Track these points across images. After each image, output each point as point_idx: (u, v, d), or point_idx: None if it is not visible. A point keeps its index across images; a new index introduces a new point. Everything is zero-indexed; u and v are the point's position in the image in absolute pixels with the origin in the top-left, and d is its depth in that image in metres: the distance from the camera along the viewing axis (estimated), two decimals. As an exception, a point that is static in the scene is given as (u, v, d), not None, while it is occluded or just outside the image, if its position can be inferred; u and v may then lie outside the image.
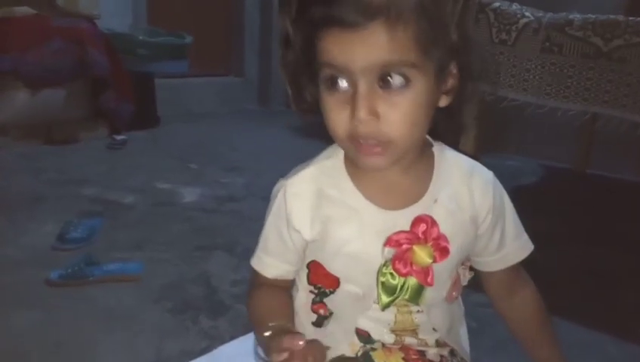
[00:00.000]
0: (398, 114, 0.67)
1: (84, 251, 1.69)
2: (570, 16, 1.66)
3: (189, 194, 2.38)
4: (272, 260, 0.84)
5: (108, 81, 3.24)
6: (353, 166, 0.79)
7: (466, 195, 0.81)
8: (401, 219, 0.78)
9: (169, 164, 2.87)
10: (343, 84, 0.68)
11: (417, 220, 0.78)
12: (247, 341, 0.98)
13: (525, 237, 0.89)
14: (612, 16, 1.61)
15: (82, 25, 3.16)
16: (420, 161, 0.80)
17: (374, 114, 0.66)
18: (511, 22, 1.74)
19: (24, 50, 2.93)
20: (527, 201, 2.67)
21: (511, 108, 1.84)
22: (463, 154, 0.86)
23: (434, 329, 0.84)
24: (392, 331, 0.82)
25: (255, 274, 0.87)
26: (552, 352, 0.90)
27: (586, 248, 2.06)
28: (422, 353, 0.84)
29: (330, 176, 0.80)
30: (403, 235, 0.77)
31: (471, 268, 0.91)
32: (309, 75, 0.74)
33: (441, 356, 0.86)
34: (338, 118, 0.69)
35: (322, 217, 0.79)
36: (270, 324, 0.77)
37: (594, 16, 1.62)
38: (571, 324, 1.45)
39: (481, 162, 0.87)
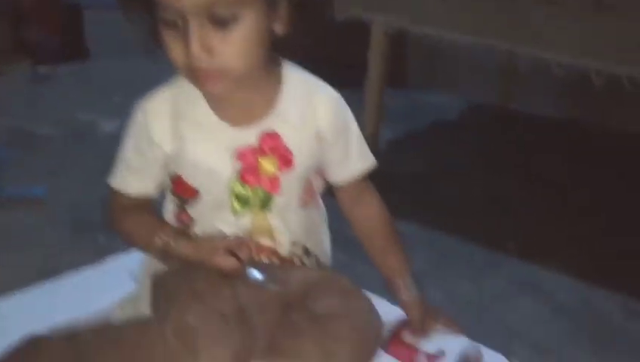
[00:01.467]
0: (229, 48, 0.73)
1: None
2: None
3: (109, 126, 2.38)
4: (135, 177, 0.89)
5: (31, 12, 3.13)
6: None
7: (311, 112, 0.89)
8: (250, 135, 0.86)
9: (93, 97, 2.84)
10: (176, 22, 0.72)
11: (264, 135, 0.86)
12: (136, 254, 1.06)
13: (368, 153, 0.98)
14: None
15: (0, -49, 3.01)
16: (268, 80, 0.86)
17: (207, 50, 0.72)
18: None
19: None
20: (447, 135, 2.80)
21: (439, 47, 1.89)
22: (310, 74, 0.91)
23: (290, 232, 0.93)
24: (250, 235, 0.90)
25: (117, 195, 0.91)
26: (397, 262, 0.98)
27: (490, 177, 2.20)
28: (273, 250, 0.92)
29: (185, 95, 0.85)
30: (250, 149, 0.85)
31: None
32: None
33: (294, 253, 0.94)
34: (175, 52, 0.74)
35: (179, 134, 0.85)
36: (168, 231, 0.85)
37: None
38: (452, 239, 1.59)
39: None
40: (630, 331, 1.27)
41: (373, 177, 0.98)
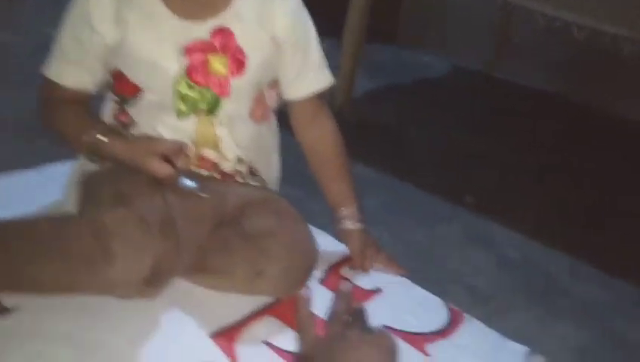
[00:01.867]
0: None
1: None
2: None
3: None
4: (72, 67, 0.83)
5: None
6: None
7: (269, 15, 0.84)
8: (200, 30, 0.80)
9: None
10: None
11: (216, 31, 0.80)
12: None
13: (327, 71, 0.94)
14: None
15: None
16: None
17: None
18: None
19: None
20: (427, 93, 2.76)
21: (431, 3, 1.82)
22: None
23: (237, 146, 0.89)
24: (193, 142, 0.86)
25: (51, 87, 0.85)
26: (345, 190, 0.96)
27: (460, 135, 2.17)
28: (216, 164, 0.89)
29: None
30: (199, 44, 0.80)
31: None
32: None
33: (238, 171, 0.91)
34: None
35: (122, 21, 0.80)
36: (101, 126, 0.81)
37: None
38: (410, 185, 1.56)
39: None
40: (572, 292, 1.27)
41: (341, 123, 0.95)
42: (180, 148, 0.79)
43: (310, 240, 0.89)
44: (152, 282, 0.74)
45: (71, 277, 0.72)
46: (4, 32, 2.29)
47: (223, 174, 0.90)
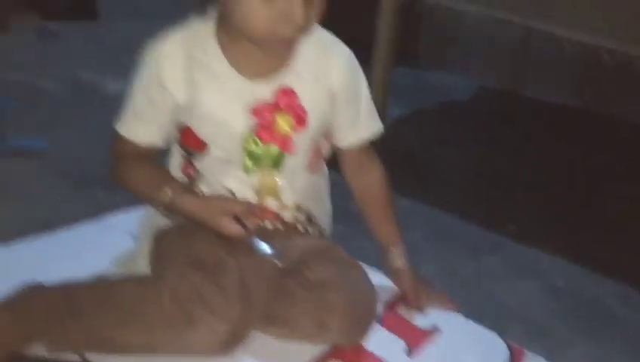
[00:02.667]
0: (313, 13, 0.77)
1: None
2: None
3: (113, 85, 2.36)
4: (144, 125, 0.87)
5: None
6: (224, 33, 0.82)
7: (325, 70, 0.88)
8: (265, 90, 0.84)
9: (100, 56, 2.80)
10: None
11: (280, 91, 0.84)
12: (138, 211, 1.05)
13: (377, 119, 0.97)
14: None
15: None
16: None
17: (306, 17, 0.75)
18: None
19: None
20: (452, 115, 2.78)
21: (452, 26, 1.85)
22: (325, 31, 0.90)
23: (296, 194, 0.92)
24: (256, 192, 0.90)
25: (123, 143, 0.89)
26: (392, 230, 0.99)
27: (494, 158, 2.18)
28: (278, 215, 0.92)
29: (199, 40, 0.83)
30: (266, 106, 0.84)
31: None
32: None
33: (297, 219, 0.94)
34: (270, 21, 0.75)
35: (191, 81, 0.83)
36: (176, 185, 0.84)
37: None
38: (450, 216, 1.58)
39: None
40: (624, 318, 1.27)
41: (376, 151, 0.98)
42: (250, 210, 0.83)
43: (370, 289, 0.92)
44: (230, 344, 0.77)
45: (152, 341, 0.76)
46: (39, 77, 2.37)
47: (285, 223, 0.93)
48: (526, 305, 1.27)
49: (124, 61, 3.03)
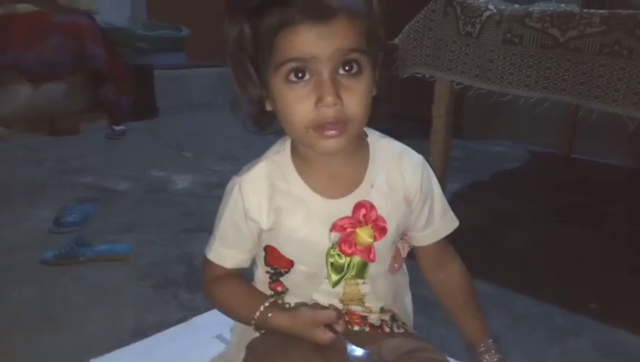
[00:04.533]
0: (356, 97, 0.78)
1: (77, 234, 1.82)
2: (530, 9, 1.75)
3: (182, 181, 2.51)
4: (231, 251, 0.93)
5: (107, 74, 3.37)
6: (300, 160, 0.89)
7: (398, 178, 0.92)
8: (344, 206, 0.88)
9: (165, 153, 2.99)
10: (307, 75, 0.75)
11: (358, 206, 0.88)
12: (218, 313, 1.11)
13: (451, 214, 1.00)
14: (568, 9, 1.69)
15: (81, 20, 3.28)
16: (358, 150, 0.90)
17: (339, 97, 0.76)
18: (475, 14, 1.83)
19: (25, 45, 3.07)
20: (510, 185, 2.78)
21: (498, 98, 1.91)
22: (394, 140, 0.95)
23: (379, 298, 0.95)
24: (341, 301, 0.93)
25: (212, 266, 0.94)
26: (478, 325, 0.99)
27: (558, 228, 2.16)
28: (364, 317, 0.96)
29: (279, 170, 0.89)
30: (346, 221, 0.87)
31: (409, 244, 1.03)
32: (261, 86, 0.82)
33: (382, 320, 0.97)
34: (301, 109, 0.78)
35: (275, 208, 0.89)
36: (266, 303, 0.87)
37: (552, 9, 1.71)
38: (528, 298, 1.55)
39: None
40: None
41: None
42: (339, 316, 0.86)
43: None
44: None
45: None
46: (115, 178, 2.53)
47: (372, 326, 0.96)
48: (620, 391, 1.22)
49: (188, 155, 3.24)
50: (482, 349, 0.98)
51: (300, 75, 0.76)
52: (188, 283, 1.59)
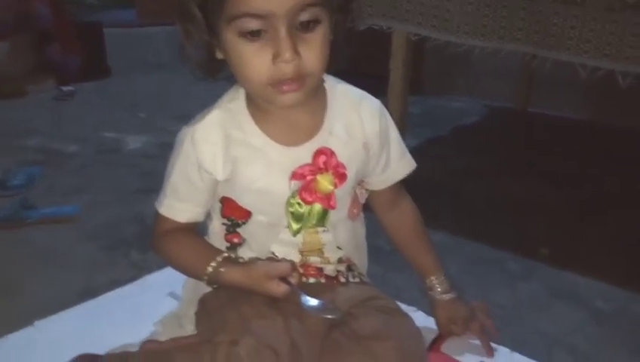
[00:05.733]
0: (314, 51, 0.75)
1: (22, 196, 1.75)
2: (485, -44, 1.72)
3: (134, 142, 2.43)
4: (184, 205, 0.89)
5: (53, 33, 3.20)
6: (255, 108, 0.85)
7: (357, 124, 0.89)
8: (303, 153, 0.85)
9: (116, 113, 2.89)
10: (263, 32, 0.73)
11: (318, 152, 0.85)
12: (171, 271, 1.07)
13: (408, 157, 0.97)
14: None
15: (23, -24, 3.09)
16: (316, 97, 0.86)
17: (297, 53, 0.73)
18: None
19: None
20: (467, 140, 2.80)
21: (456, 51, 1.89)
22: (351, 85, 0.92)
23: (338, 247, 0.93)
24: (300, 252, 0.91)
25: (163, 221, 0.90)
26: (429, 259, 0.99)
27: (514, 180, 2.19)
28: (320, 269, 0.93)
29: (234, 118, 0.85)
30: (307, 168, 0.85)
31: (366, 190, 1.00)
32: (210, 34, 0.77)
33: (338, 271, 0.95)
34: (258, 65, 0.74)
35: (231, 158, 0.85)
36: (218, 259, 0.84)
37: (507, -45, 1.68)
38: (482, 245, 1.58)
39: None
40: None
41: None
42: (293, 268, 0.84)
43: (418, 335, 0.91)
44: None
45: None
46: (65, 140, 2.43)
47: (327, 277, 0.94)
48: (569, 331, 1.25)
49: (142, 116, 3.14)
50: (434, 282, 0.98)
51: (257, 31, 0.73)
52: (140, 244, 1.55)
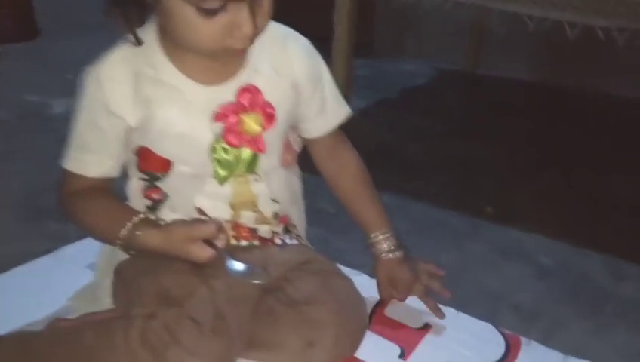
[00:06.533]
0: (266, 15, 0.71)
1: None
2: None
3: (59, 106, 2.26)
4: (93, 157, 0.79)
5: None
6: (170, 43, 0.75)
7: (285, 62, 0.82)
8: (226, 92, 0.77)
9: (42, 76, 2.69)
10: (222, 8, 0.67)
11: (242, 91, 0.77)
12: (91, 241, 0.97)
13: (343, 102, 0.91)
14: None
15: None
16: None
17: (256, 26, 0.69)
18: None
19: None
20: (416, 102, 2.76)
21: (406, 12, 1.81)
22: (276, 23, 0.82)
23: (273, 200, 0.86)
24: (231, 205, 0.82)
25: (72, 178, 0.80)
26: (375, 212, 0.92)
27: (461, 141, 2.16)
28: (254, 230, 0.85)
29: (144, 55, 0.75)
30: (230, 107, 0.76)
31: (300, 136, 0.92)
32: None
33: (274, 232, 0.87)
34: (212, 36, 0.69)
35: (143, 99, 0.75)
36: (134, 220, 0.75)
37: None
38: (428, 206, 1.54)
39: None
40: (615, 290, 1.25)
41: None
42: (218, 228, 0.75)
43: (358, 298, 0.85)
44: None
45: None
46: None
47: (262, 239, 0.86)
48: (515, 289, 1.24)
49: (69, 78, 2.93)
50: (379, 237, 0.91)
51: (218, 8, 0.67)
52: (59, 214, 1.42)
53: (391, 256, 0.91)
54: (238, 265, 0.76)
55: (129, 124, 0.76)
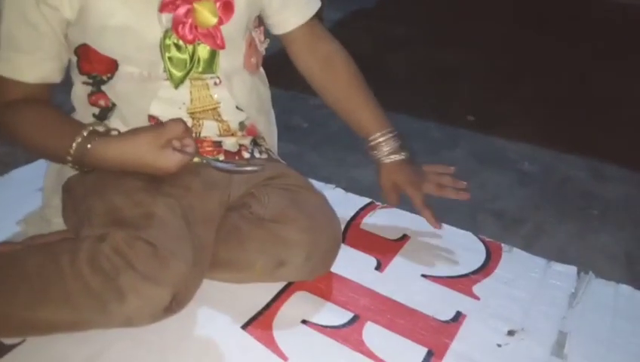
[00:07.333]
0: None
1: None
2: None
3: None
4: (28, 58, 0.69)
5: None
6: None
7: None
8: None
9: None
10: None
11: None
12: (42, 163, 0.89)
13: None
14: None
15: None
16: None
17: None
18: None
19: None
20: (393, 11, 2.62)
21: None
22: None
23: (238, 108, 0.77)
24: (190, 113, 0.74)
25: (5, 84, 0.70)
26: (372, 111, 0.85)
27: (438, 49, 2.06)
28: (218, 144, 0.77)
29: None
30: None
31: (267, 37, 0.83)
32: None
33: (241, 145, 0.80)
34: None
35: None
36: (84, 132, 0.66)
37: None
38: (406, 116, 1.47)
39: None
40: (598, 192, 1.21)
41: None
42: (186, 129, 0.67)
43: (331, 214, 0.79)
44: (176, 306, 0.64)
45: (80, 319, 0.62)
46: None
47: (227, 153, 0.78)
48: (496, 196, 1.19)
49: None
50: (379, 139, 0.84)
51: None
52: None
53: (393, 157, 0.84)
54: (222, 164, 0.71)
55: (65, 16, 0.67)
